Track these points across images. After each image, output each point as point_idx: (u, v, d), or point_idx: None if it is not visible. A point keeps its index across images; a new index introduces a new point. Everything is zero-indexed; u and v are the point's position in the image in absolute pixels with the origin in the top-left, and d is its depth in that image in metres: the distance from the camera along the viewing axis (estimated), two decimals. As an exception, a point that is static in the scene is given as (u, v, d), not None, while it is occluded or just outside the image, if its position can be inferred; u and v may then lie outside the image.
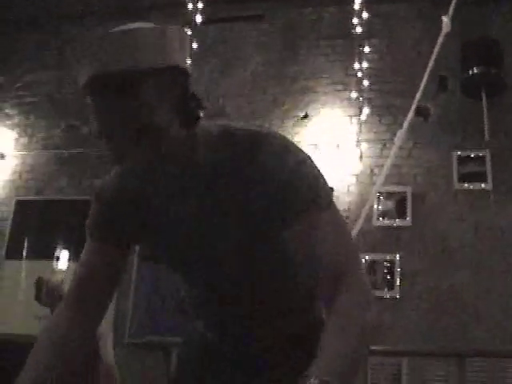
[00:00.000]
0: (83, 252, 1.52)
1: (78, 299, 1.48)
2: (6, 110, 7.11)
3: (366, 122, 5.91)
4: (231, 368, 1.61)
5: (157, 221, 1.43)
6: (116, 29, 1.22)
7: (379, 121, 5.93)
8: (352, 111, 6.00)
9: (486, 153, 5.55)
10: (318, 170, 1.39)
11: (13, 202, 6.63)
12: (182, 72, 1.26)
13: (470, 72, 5.55)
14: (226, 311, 1.56)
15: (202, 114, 1.29)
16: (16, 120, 7.04)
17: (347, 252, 1.31)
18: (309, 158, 1.38)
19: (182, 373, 1.76)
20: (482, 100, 5.55)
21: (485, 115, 5.51)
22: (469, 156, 5.59)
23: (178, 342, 3.59)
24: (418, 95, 4.91)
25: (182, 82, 1.25)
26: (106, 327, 4.41)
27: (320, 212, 1.31)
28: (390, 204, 5.54)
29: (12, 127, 7.01)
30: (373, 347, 4.35)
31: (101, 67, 1.16)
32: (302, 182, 1.32)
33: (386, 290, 5.28)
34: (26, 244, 6.43)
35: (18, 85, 7.15)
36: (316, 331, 1.30)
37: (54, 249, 6.29)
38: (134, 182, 1.30)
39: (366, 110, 5.90)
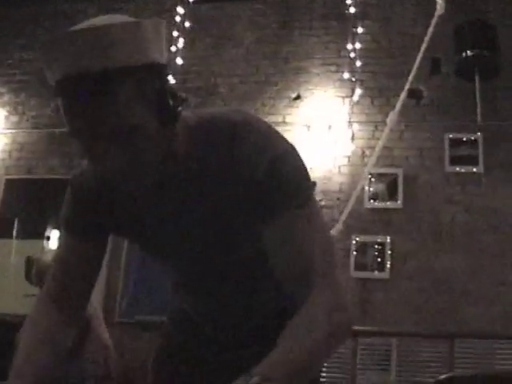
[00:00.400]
0: (59, 245, 1.50)
1: (57, 295, 1.45)
2: (-4, 88, 7.07)
3: (358, 103, 5.89)
4: (212, 348, 1.62)
5: (135, 215, 1.40)
6: (86, 23, 1.16)
7: (371, 102, 5.91)
8: (344, 92, 5.97)
9: (478, 136, 5.54)
10: (301, 162, 1.33)
11: (2, 181, 6.60)
12: (159, 68, 1.20)
13: (464, 54, 5.53)
14: (205, 296, 1.54)
15: (180, 110, 1.23)
16: (6, 98, 6.98)
17: (322, 252, 1.26)
18: (291, 148, 1.33)
19: (162, 351, 1.75)
20: (475, 83, 5.53)
21: (478, 98, 5.50)
22: (461, 139, 5.58)
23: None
24: (410, 77, 4.91)
25: (159, 79, 1.19)
26: (96, 307, 4.41)
27: (296, 210, 1.26)
28: (382, 186, 5.53)
29: (2, 105, 6.95)
30: (362, 328, 4.38)
31: (73, 67, 1.11)
32: (279, 180, 1.27)
33: (376, 271, 5.29)
34: (16, 223, 6.40)
35: (9, 62, 7.09)
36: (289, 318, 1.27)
37: (45, 228, 6.27)
38: (112, 177, 1.23)
39: (358, 91, 5.88)
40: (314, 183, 1.32)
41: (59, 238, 1.50)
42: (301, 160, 1.33)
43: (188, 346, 1.66)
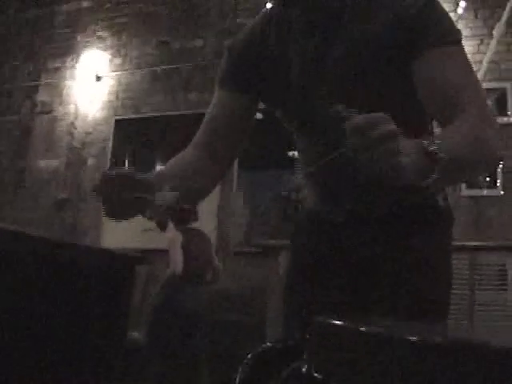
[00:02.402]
0: (212, 102, 1.56)
1: (205, 142, 1.53)
2: (98, 33, 7.23)
3: (461, 17, 5.69)
4: (343, 253, 1.52)
5: (283, 67, 1.45)
6: None
7: (475, 16, 5.69)
8: (447, 6, 5.77)
9: None
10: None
11: (112, 122, 6.83)
12: None
13: None
14: (340, 174, 1.47)
15: None
16: (108, 42, 7.15)
17: (473, 88, 1.32)
18: None
19: (293, 274, 1.67)
20: None
21: None
22: None
23: (285, 244, 3.66)
24: (516, -15, 4.69)
25: None
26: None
27: (451, 45, 1.32)
28: (490, 101, 5.37)
29: (105, 49, 7.13)
30: (477, 243, 4.34)
31: None
32: (435, 16, 1.33)
33: (486, 189, 5.19)
34: (126, 162, 6.63)
35: (107, 6, 7.23)
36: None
37: (154, 165, 6.47)
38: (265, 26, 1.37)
39: (462, 4, 5.67)
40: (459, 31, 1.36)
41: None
42: None
43: (319, 255, 1.58)
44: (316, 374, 0.61)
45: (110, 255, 5.35)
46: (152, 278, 5.90)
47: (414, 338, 0.64)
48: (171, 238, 4.48)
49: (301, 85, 1.44)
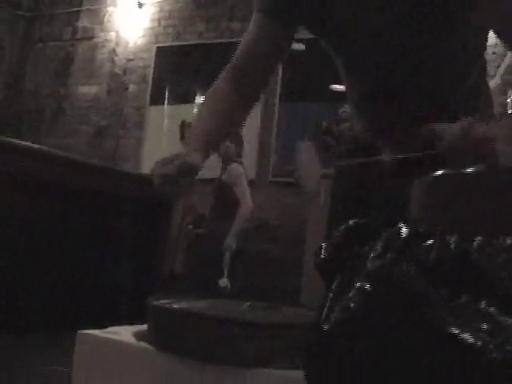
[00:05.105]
0: (248, 30, 1.49)
1: (235, 65, 1.48)
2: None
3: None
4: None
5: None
6: None
7: None
8: None
9: None
10: None
11: (153, 49, 6.78)
12: None
13: None
14: (386, 106, 1.43)
15: None
16: (152, -33, 7.04)
17: None
18: None
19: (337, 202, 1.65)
20: None
21: None
22: None
23: (327, 173, 3.63)
24: None
25: None
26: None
27: None
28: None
29: (148, -26, 7.03)
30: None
31: None
32: None
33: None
34: (167, 90, 6.62)
35: None
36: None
37: (194, 93, 6.45)
38: None
39: None
40: None
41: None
42: None
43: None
44: (422, 230, 0.62)
45: (150, 182, 5.38)
46: (189, 208, 5.94)
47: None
48: (240, 172, 4.50)
49: (345, 17, 1.36)
